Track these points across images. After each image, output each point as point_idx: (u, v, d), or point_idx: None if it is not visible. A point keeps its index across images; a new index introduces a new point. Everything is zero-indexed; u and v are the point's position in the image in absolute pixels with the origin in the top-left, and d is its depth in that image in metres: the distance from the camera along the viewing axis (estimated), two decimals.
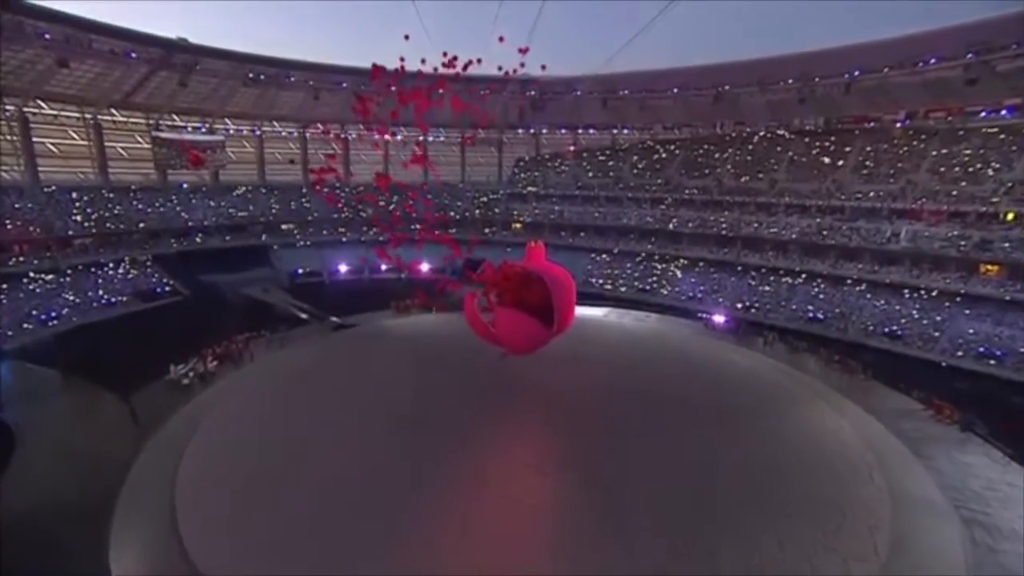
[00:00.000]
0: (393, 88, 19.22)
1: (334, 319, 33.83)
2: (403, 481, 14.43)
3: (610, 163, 63.66)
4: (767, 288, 44.45)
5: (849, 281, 40.81)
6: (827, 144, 50.75)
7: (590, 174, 63.23)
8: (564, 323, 19.30)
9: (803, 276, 43.65)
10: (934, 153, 42.33)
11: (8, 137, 43.75)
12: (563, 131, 65.76)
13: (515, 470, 15.32)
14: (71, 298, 38.00)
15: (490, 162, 69.91)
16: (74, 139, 49.09)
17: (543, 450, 16.76)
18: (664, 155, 61.36)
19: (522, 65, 20.10)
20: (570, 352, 22.64)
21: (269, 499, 13.76)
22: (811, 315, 38.41)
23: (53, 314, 35.30)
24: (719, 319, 35.44)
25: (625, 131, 63.56)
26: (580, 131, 64.88)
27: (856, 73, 41.61)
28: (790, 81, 46.37)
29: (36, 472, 17.26)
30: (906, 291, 37.64)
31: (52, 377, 26.07)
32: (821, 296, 40.86)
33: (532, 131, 66.21)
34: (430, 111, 20.73)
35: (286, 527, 12.65)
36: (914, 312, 35.70)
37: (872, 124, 47.01)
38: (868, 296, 38.90)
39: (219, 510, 13.55)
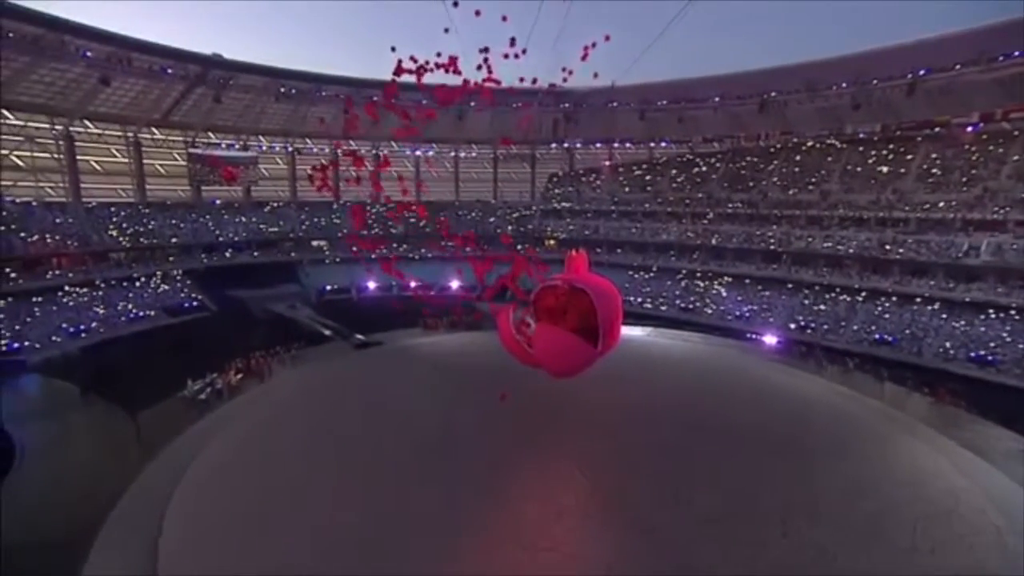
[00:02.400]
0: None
1: (359, 336, 32.27)
2: (420, 527, 12.19)
3: (647, 177, 61.24)
4: (823, 307, 40.74)
5: (919, 300, 36.81)
6: (885, 152, 47.07)
7: (627, 189, 60.92)
8: (611, 341, 16.92)
9: (863, 294, 39.84)
10: (1015, 158, 38.19)
11: (55, 155, 44.93)
12: (598, 145, 63.82)
13: (555, 517, 12.86)
14: (101, 312, 37.81)
15: (522, 178, 68.56)
16: (116, 157, 50.26)
17: (588, 493, 14.24)
18: (704, 168, 58.59)
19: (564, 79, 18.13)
20: (614, 374, 20.16)
21: (266, 542, 11.73)
22: (878, 337, 34.55)
23: (82, 328, 35.00)
24: (771, 340, 32.30)
25: (663, 144, 61.08)
26: (616, 145, 62.77)
27: (921, 72, 38.24)
28: (844, 85, 43.24)
29: (26, 494, 15.83)
30: (991, 311, 33.43)
31: (69, 392, 25.21)
32: (887, 316, 36.94)
33: (567, 145, 64.55)
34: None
35: None
36: (1005, 334, 31.43)
37: (937, 129, 43.13)
38: (943, 316, 34.79)
39: (207, 553, 11.59)
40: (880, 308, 37.79)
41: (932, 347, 32.47)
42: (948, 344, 32.13)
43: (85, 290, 39.47)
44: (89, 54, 36.05)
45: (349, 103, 46.19)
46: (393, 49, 16.21)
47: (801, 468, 15.32)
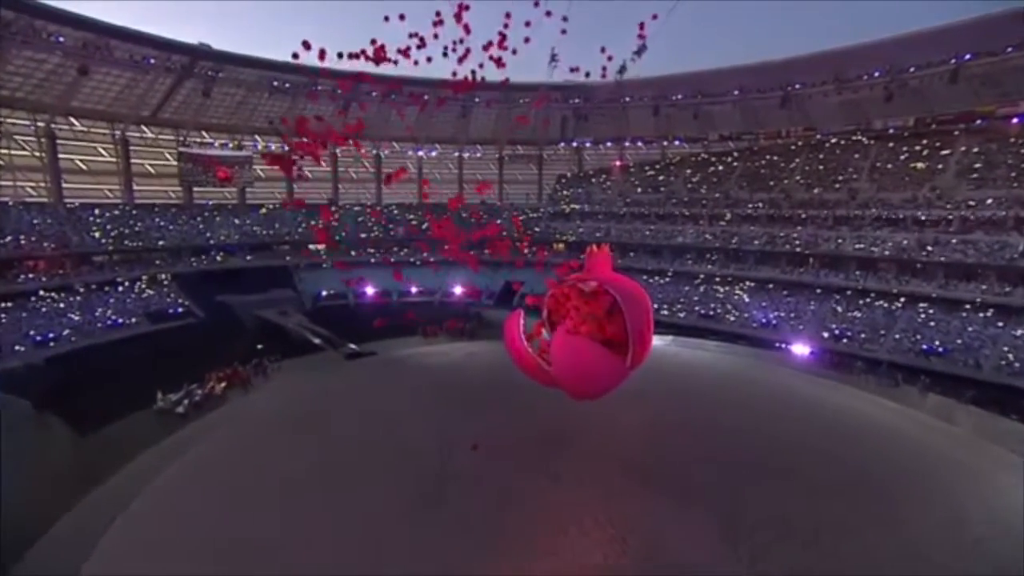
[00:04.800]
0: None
1: (351, 346, 29.29)
2: None
3: (660, 177, 58.25)
4: (857, 314, 37.42)
5: (968, 306, 33.43)
6: (918, 147, 43.82)
7: (639, 189, 57.92)
8: (641, 354, 13.79)
9: (902, 299, 36.49)
10: None
11: (35, 153, 42.51)
12: (608, 144, 60.90)
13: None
14: (76, 318, 35.07)
15: (529, 179, 65.76)
16: (103, 156, 47.84)
17: (619, 552, 11.11)
18: (721, 168, 55.53)
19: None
20: (634, 390, 16.98)
21: None
22: (926, 347, 31.14)
23: (52, 336, 32.24)
24: (803, 350, 29.12)
25: (676, 142, 58.07)
26: (627, 144, 59.82)
27: (967, 57, 35.02)
28: (876, 74, 40.09)
29: None
30: None
31: (21, 409, 22.36)
32: (932, 323, 33.55)
33: (575, 145, 61.68)
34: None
35: None
36: None
37: (978, 121, 39.82)
38: (999, 324, 31.36)
39: None
40: (923, 315, 34.40)
41: (991, 359, 29.03)
42: (1012, 357, 28.60)
43: (62, 295, 36.81)
44: (62, 39, 33.53)
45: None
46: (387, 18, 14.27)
47: (886, 513, 12.14)
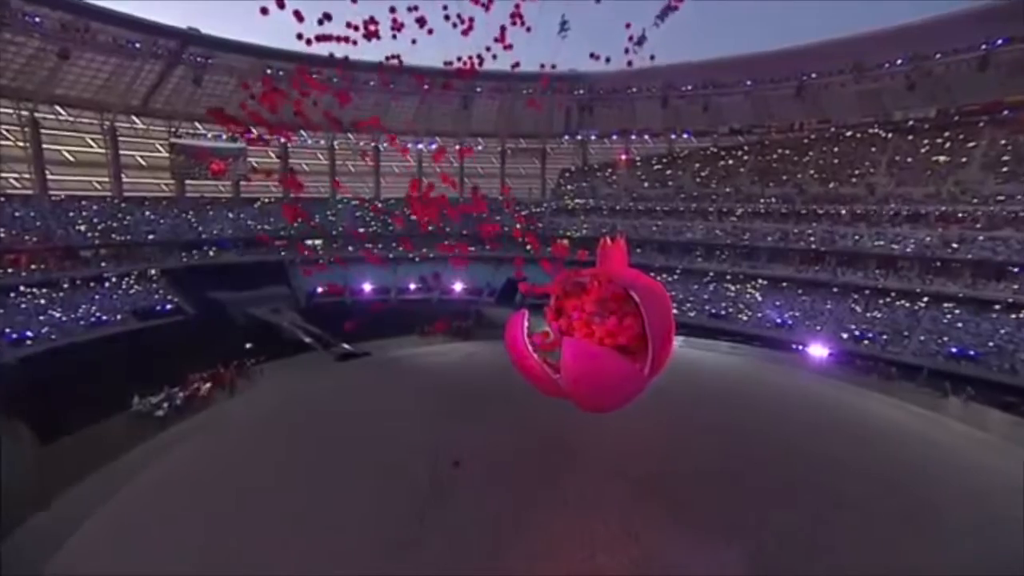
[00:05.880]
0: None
1: (344, 346, 27.58)
2: None
3: (668, 172, 56.36)
4: (878, 314, 35.57)
5: (997, 306, 31.54)
6: (940, 140, 41.81)
7: (645, 184, 56.09)
8: (662, 359, 12.08)
9: (925, 299, 34.63)
10: None
11: (18, 143, 40.86)
12: (614, 137, 58.96)
13: None
14: (58, 315, 33.46)
15: (532, 173, 63.89)
16: (92, 147, 46.19)
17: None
18: (731, 162, 53.61)
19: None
20: (648, 397, 15.27)
21: None
22: (955, 350, 29.27)
23: (29, 334, 30.62)
24: (821, 351, 27.33)
25: (685, 135, 56.10)
26: (634, 136, 57.86)
27: (998, 43, 33.05)
28: (898, 62, 38.07)
29: None
30: None
31: None
32: (959, 325, 31.68)
33: (580, 138, 59.74)
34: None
35: None
36: None
37: (1006, 112, 37.74)
38: None
39: None
40: (950, 316, 32.54)
41: None
42: None
43: (43, 291, 35.20)
44: (39, 20, 31.80)
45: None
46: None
47: (944, 545, 10.38)
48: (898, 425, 17.28)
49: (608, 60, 17.51)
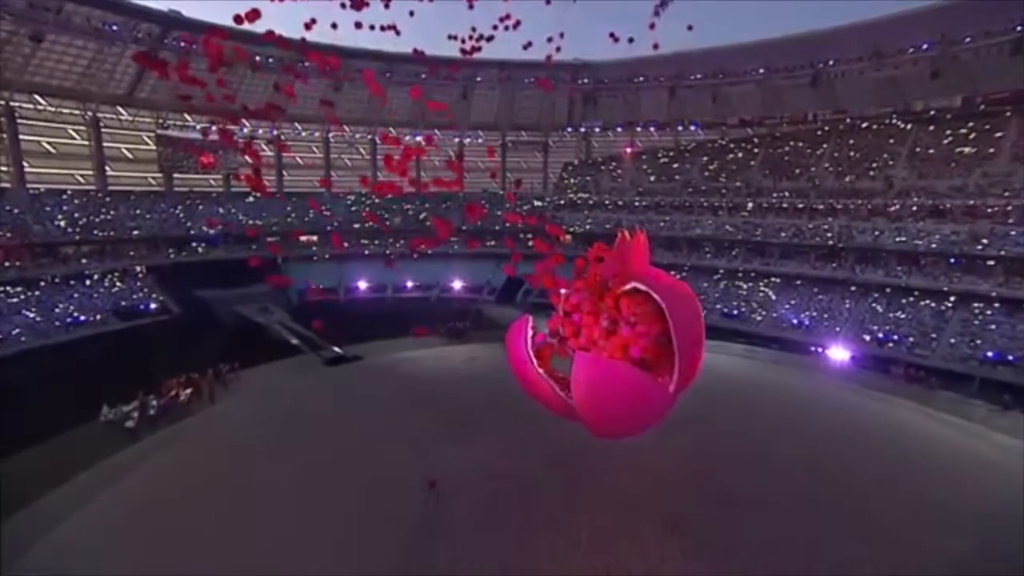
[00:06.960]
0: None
1: (335, 349, 25.58)
2: None
3: (675, 165, 54.26)
4: (901, 314, 33.55)
5: None
6: (964, 131, 39.66)
7: (652, 178, 53.99)
8: (691, 374, 10.20)
9: (953, 298, 32.59)
10: None
11: None
12: (618, 129, 56.81)
13: None
14: (31, 315, 31.57)
15: (534, 167, 61.80)
16: (74, 139, 44.21)
17: None
18: (740, 155, 51.51)
19: None
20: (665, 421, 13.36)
21: None
22: (991, 355, 27.22)
23: None
24: (843, 354, 25.44)
25: (692, 127, 53.94)
26: (639, 129, 55.71)
27: None
28: (923, 47, 35.90)
29: None
30: None
31: None
32: (992, 326, 29.65)
33: (584, 130, 57.61)
34: None
35: None
36: None
37: None
38: None
39: None
40: (981, 316, 30.52)
41: None
42: None
43: (17, 290, 33.27)
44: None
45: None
46: None
47: None
48: (951, 444, 15.31)
49: (632, 40, 16.39)
